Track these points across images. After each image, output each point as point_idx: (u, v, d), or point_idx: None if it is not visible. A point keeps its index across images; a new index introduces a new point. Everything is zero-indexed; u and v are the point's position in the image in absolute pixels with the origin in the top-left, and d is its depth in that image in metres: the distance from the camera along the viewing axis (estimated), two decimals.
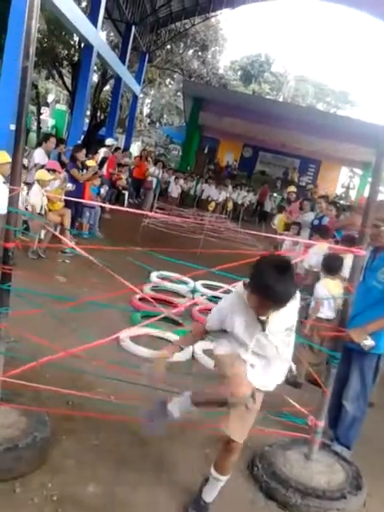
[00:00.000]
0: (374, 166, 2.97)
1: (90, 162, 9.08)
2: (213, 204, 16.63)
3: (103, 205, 8.72)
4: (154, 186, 14.92)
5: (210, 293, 6.81)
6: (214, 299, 6.07)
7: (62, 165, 8.50)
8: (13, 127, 7.24)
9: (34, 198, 6.75)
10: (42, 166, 7.63)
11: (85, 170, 8.67)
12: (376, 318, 3.16)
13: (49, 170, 7.14)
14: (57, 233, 6.62)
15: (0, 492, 2.50)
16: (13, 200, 2.63)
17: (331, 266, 4.53)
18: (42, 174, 6.91)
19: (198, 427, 3.27)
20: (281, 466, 3.05)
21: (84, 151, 8.86)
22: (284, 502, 2.85)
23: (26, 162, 8.18)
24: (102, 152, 11.90)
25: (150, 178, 14.91)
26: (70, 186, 7.84)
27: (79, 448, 2.97)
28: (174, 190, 16.84)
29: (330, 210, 8.16)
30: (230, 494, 2.89)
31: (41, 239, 7.04)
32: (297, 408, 3.30)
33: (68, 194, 7.56)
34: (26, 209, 6.84)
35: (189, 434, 3.31)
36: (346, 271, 4.56)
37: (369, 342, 3.16)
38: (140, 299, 5.73)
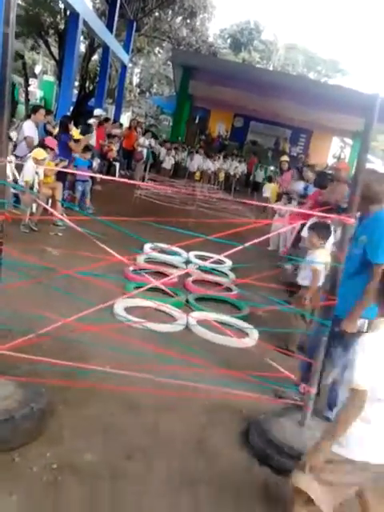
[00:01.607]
0: (362, 134, 2.93)
1: (75, 133, 8.95)
2: (198, 174, 16.57)
3: (94, 175, 8.63)
4: (144, 156, 14.73)
5: (203, 263, 6.83)
6: (207, 269, 6.11)
7: (49, 135, 8.37)
8: None
9: (28, 174, 6.65)
10: (34, 140, 7.52)
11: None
12: (354, 300, 3.18)
13: (45, 147, 7.00)
14: (48, 206, 6.55)
15: None
16: (0, 172, 2.58)
17: (320, 235, 4.52)
18: (39, 153, 6.78)
19: (193, 395, 3.30)
20: (275, 432, 3.10)
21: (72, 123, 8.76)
22: (278, 467, 2.90)
23: (15, 134, 8.04)
24: (91, 122, 11.68)
25: (139, 149, 14.71)
26: (64, 161, 7.77)
27: (76, 418, 3.00)
28: (167, 162, 16.66)
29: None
30: (225, 461, 2.95)
31: (33, 212, 6.98)
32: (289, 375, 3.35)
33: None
34: (15, 181, 6.76)
35: (184, 402, 3.35)
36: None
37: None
38: (133, 270, 5.73)
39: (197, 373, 3.31)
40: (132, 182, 3.26)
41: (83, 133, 9.08)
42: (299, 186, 8.78)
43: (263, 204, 7.63)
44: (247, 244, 2.96)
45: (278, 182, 11.18)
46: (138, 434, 3.01)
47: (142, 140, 15.01)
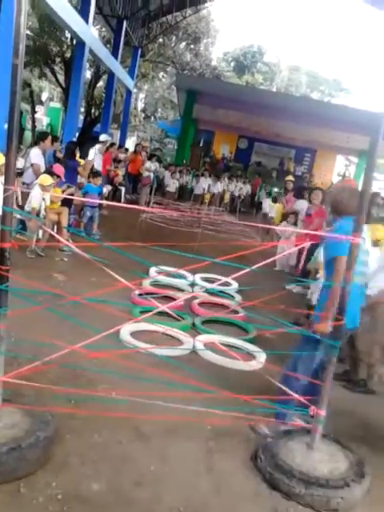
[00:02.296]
0: (368, 152, 2.96)
1: (80, 161, 9.09)
2: (208, 195, 16.66)
3: (104, 202, 8.70)
4: (151, 180, 14.84)
5: (209, 286, 6.82)
6: (213, 291, 6.09)
7: (58, 162, 8.48)
8: (6, 126, 7.20)
9: (35, 200, 6.72)
10: (41, 167, 7.62)
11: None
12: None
13: (52, 174, 7.09)
14: (54, 232, 6.61)
15: (5, 492, 2.50)
16: (7, 200, 2.62)
17: None
18: (45, 179, 6.86)
19: (200, 420, 3.28)
20: (284, 456, 3.06)
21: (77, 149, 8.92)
22: (288, 492, 2.86)
23: (22, 161, 8.14)
24: (97, 148, 11.81)
25: (146, 173, 14.81)
26: (71, 187, 7.86)
27: (82, 446, 2.98)
28: (171, 185, 16.77)
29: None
30: (234, 486, 2.91)
31: (39, 239, 7.03)
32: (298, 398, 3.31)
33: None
34: (21, 207, 6.82)
35: (191, 427, 3.32)
36: None
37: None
38: (139, 295, 5.74)
39: (204, 397, 3.28)
40: (137, 207, 3.29)
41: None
42: (302, 205, 8.81)
43: (268, 226, 7.63)
44: (254, 267, 2.96)
45: (282, 203, 11.21)
46: (146, 461, 2.98)
47: (148, 164, 15.14)
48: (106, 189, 9.84)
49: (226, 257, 2.89)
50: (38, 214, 6.71)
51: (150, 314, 3.48)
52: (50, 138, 8.33)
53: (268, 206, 13.49)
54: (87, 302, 3.51)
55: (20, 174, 7.69)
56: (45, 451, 2.78)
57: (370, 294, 4.28)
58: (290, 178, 12.57)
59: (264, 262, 2.94)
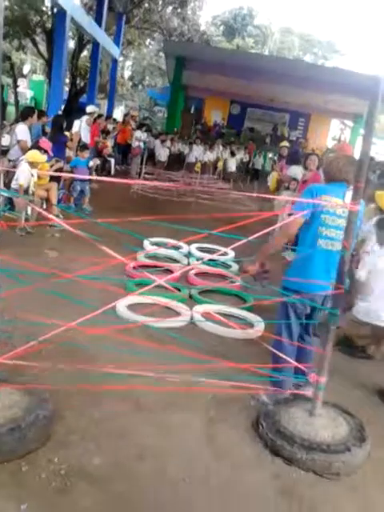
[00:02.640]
0: (366, 117, 2.87)
1: (67, 134, 8.92)
2: (199, 165, 16.45)
3: (90, 177, 8.55)
4: (141, 150, 14.62)
5: (205, 256, 6.78)
6: (210, 263, 6.03)
7: (48, 137, 8.31)
8: None
9: (22, 177, 6.56)
10: (27, 143, 7.44)
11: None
12: None
13: (39, 149, 6.92)
14: (42, 210, 6.50)
15: (6, 472, 2.50)
16: None
17: None
18: (35, 156, 6.68)
19: (200, 390, 3.27)
20: (285, 422, 3.07)
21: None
22: (290, 457, 2.87)
23: (7, 138, 7.97)
24: (84, 120, 11.55)
25: (136, 144, 14.58)
26: (59, 161, 7.70)
27: (82, 422, 2.97)
28: (162, 154, 16.52)
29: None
30: (236, 454, 2.93)
31: (27, 216, 6.91)
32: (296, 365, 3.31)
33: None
34: (8, 185, 6.69)
35: (191, 397, 3.32)
36: None
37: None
38: (134, 268, 5.69)
39: (204, 368, 3.27)
40: (126, 181, 3.20)
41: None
42: (295, 171, 8.64)
43: (261, 195, 7.52)
44: (251, 237, 2.90)
45: (277, 169, 11.04)
46: (148, 434, 2.98)
47: (138, 134, 14.88)
48: (93, 162, 9.65)
49: (223, 228, 2.82)
50: (26, 192, 6.57)
51: (147, 288, 3.43)
52: (36, 113, 8.15)
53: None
54: (81, 279, 3.47)
55: (6, 151, 7.53)
56: (45, 429, 2.77)
57: None
58: (285, 143, 12.37)
59: (262, 232, 2.88)
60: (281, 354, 3.40)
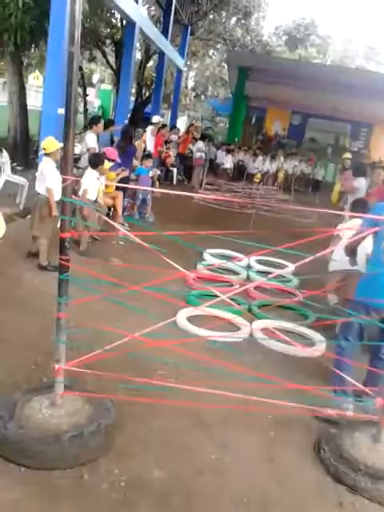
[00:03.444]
0: None
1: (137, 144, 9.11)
2: (259, 175, 16.33)
3: (149, 189, 8.65)
4: (203, 161, 14.67)
5: (265, 269, 6.70)
6: (270, 279, 5.93)
7: (118, 148, 8.49)
8: (61, 111, 7.23)
9: (89, 183, 6.70)
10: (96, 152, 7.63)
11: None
12: None
13: (107, 159, 7.08)
14: (110, 216, 6.61)
15: (69, 478, 2.54)
16: (66, 190, 2.61)
17: None
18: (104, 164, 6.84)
19: (261, 409, 3.21)
20: (348, 448, 2.97)
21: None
22: (354, 485, 2.78)
23: (79, 147, 8.18)
24: (149, 130, 11.77)
25: (198, 154, 14.67)
26: (125, 170, 7.85)
27: (143, 433, 2.99)
28: (227, 161, 16.56)
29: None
30: (297, 479, 2.85)
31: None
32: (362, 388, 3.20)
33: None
34: (75, 192, 6.84)
35: (252, 416, 3.27)
36: None
37: None
38: (194, 279, 5.70)
39: (263, 386, 3.22)
40: (190, 194, 3.22)
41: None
42: (361, 183, 8.39)
43: (324, 210, 7.38)
44: (317, 255, 2.83)
45: (339, 181, 10.78)
46: (208, 450, 2.96)
47: (200, 145, 14.98)
48: (153, 172, 9.78)
49: (286, 246, 2.78)
50: (94, 201, 6.72)
51: (209, 303, 3.42)
52: (102, 122, 8.35)
53: None
54: (146, 291, 3.50)
55: (77, 159, 7.74)
56: (106, 438, 2.80)
57: None
58: (348, 155, 12.09)
59: (324, 252, 2.82)
60: (342, 374, 3.31)
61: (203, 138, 15.93)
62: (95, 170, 6.48)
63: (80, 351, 3.12)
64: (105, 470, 2.65)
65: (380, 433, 3.02)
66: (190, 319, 4.63)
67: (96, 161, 6.58)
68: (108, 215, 7.26)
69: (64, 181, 2.57)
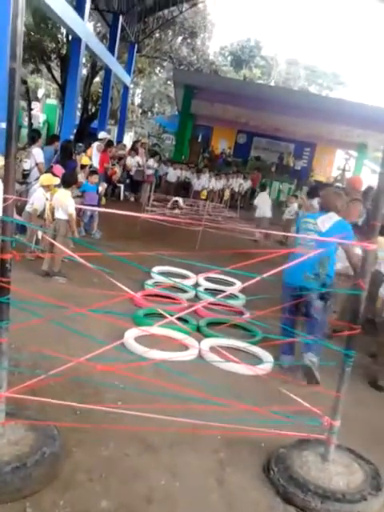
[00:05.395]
0: (383, 155, 2.83)
1: (84, 160, 8.98)
2: (204, 193, 16.53)
3: (102, 210, 8.53)
4: (154, 178, 14.72)
5: (213, 286, 6.72)
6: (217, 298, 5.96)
7: (57, 162, 8.37)
8: (3, 125, 7.04)
9: (38, 202, 6.54)
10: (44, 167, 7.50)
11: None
12: None
13: (52, 175, 6.94)
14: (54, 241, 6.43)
15: None
16: (7, 209, 2.51)
17: None
18: (49, 179, 6.68)
19: (210, 431, 3.18)
20: (297, 468, 2.97)
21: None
22: (303, 506, 2.77)
23: (29, 163, 7.98)
24: (95, 146, 11.66)
25: (149, 171, 14.68)
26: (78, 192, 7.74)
27: (90, 460, 2.88)
28: (172, 175, 16.80)
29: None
30: (247, 501, 2.82)
31: (38, 240, 6.89)
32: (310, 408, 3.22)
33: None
34: (21, 208, 6.66)
35: (200, 438, 3.23)
36: None
37: None
38: (142, 297, 5.63)
39: (211, 408, 3.19)
40: (136, 214, 3.19)
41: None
42: (314, 202, 8.55)
43: (282, 233, 7.54)
44: (265, 275, 2.84)
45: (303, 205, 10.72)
46: (156, 475, 2.88)
47: (151, 162, 15.00)
48: (102, 187, 9.70)
49: (235, 265, 2.78)
50: (40, 216, 6.56)
51: (159, 323, 3.37)
52: (41, 135, 8.27)
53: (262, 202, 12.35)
54: (92, 313, 3.42)
55: (27, 175, 7.54)
56: (51, 468, 2.67)
57: None
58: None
59: (275, 270, 2.84)
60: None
61: (153, 155, 15.99)
62: (68, 190, 6.33)
63: (23, 376, 2.99)
64: (50, 502, 2.53)
65: (328, 452, 3.04)
66: (138, 340, 4.55)
67: (70, 180, 6.43)
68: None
69: (5, 200, 2.47)
